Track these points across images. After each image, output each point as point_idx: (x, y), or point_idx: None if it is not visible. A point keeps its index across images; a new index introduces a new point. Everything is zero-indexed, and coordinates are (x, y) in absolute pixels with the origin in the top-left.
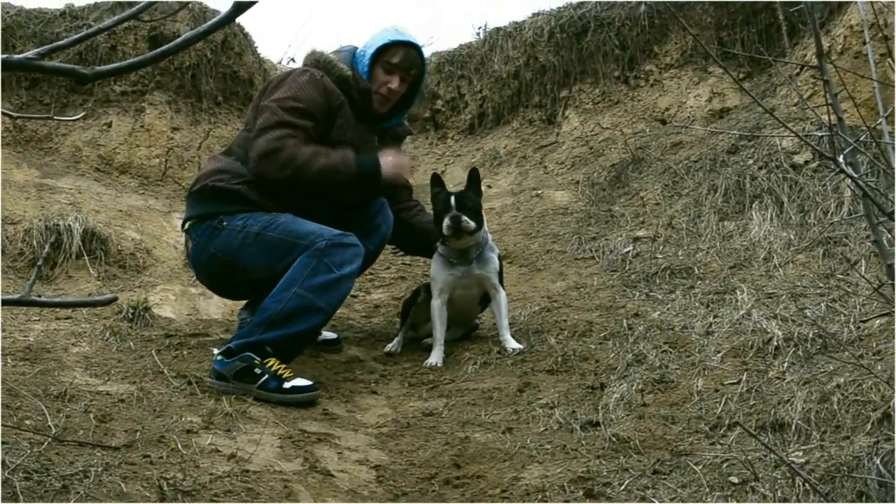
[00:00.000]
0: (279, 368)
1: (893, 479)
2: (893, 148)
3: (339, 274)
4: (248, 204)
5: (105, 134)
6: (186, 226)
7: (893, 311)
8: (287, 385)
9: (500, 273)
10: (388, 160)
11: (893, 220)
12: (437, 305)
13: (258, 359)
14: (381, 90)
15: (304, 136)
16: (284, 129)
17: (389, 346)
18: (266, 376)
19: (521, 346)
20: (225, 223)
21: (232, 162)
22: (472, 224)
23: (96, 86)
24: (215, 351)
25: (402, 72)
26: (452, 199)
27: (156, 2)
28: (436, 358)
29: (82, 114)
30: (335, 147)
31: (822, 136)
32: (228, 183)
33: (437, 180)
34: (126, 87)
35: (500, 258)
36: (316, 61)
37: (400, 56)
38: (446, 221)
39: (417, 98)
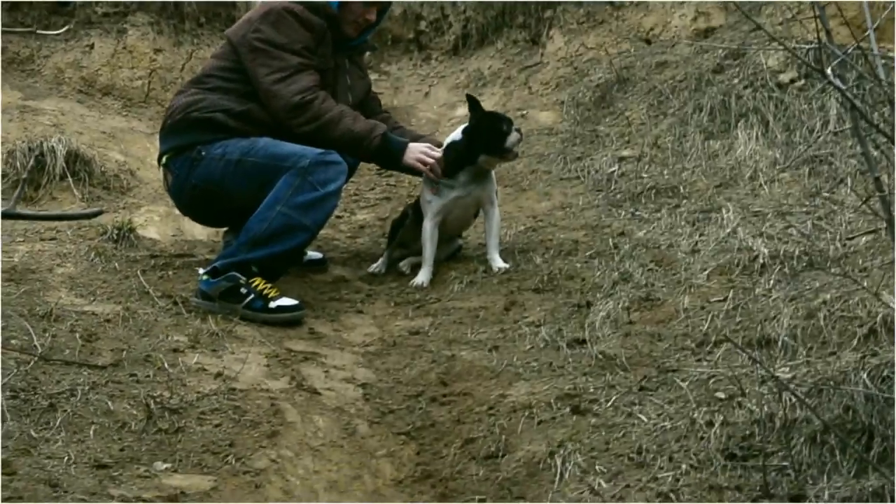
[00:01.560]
0: (265, 288)
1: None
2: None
3: (324, 192)
4: (226, 131)
5: (87, 56)
6: (164, 160)
7: (889, 224)
8: (273, 304)
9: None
10: (415, 147)
11: (882, 134)
12: (430, 227)
13: (243, 278)
14: (359, 20)
15: (314, 73)
16: (305, 77)
17: (374, 267)
18: (251, 296)
19: (507, 266)
20: (203, 153)
21: (203, 92)
22: (518, 137)
23: (78, 7)
24: (200, 271)
25: (378, 3)
26: (505, 121)
27: None
28: (423, 277)
29: (65, 27)
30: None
31: (809, 51)
32: (203, 112)
33: (475, 103)
34: (108, 8)
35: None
36: None
37: None
38: (514, 137)
39: (384, 17)
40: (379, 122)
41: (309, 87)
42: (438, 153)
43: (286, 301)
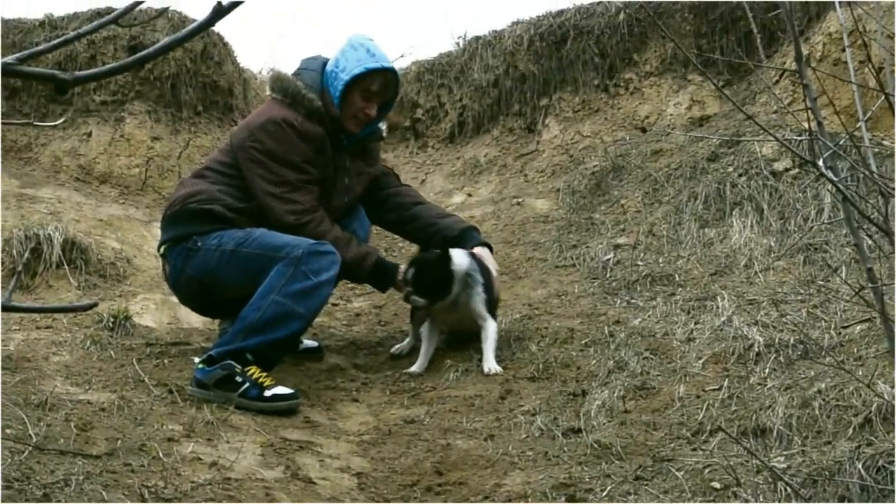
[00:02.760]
0: (260, 376)
1: (882, 483)
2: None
3: (317, 280)
4: (222, 222)
5: (85, 143)
6: (162, 249)
7: (882, 315)
8: (268, 393)
9: (490, 300)
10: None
11: (874, 225)
12: (428, 328)
13: (239, 367)
14: (359, 115)
15: (312, 188)
16: (301, 196)
17: (397, 348)
18: (247, 384)
19: (499, 369)
20: (199, 243)
21: (204, 184)
22: (422, 301)
23: (76, 95)
24: (196, 360)
25: (378, 97)
26: (411, 273)
27: (134, 6)
28: (415, 367)
29: (63, 119)
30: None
31: (801, 141)
32: (201, 204)
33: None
34: (106, 96)
35: (489, 285)
36: (284, 90)
37: (378, 84)
38: (403, 295)
39: (388, 110)
40: (371, 250)
41: (304, 208)
42: None
43: (282, 390)
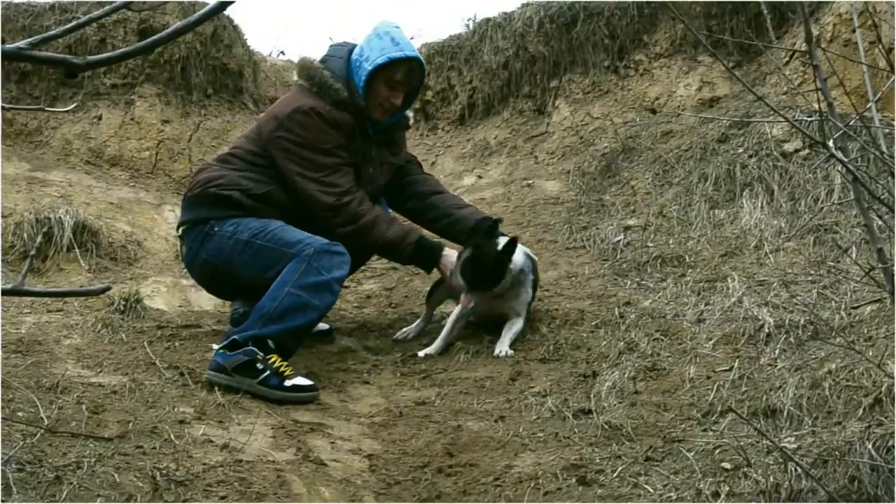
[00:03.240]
0: (281, 365)
1: (892, 463)
2: (892, 134)
3: (329, 277)
4: (240, 209)
5: (95, 127)
6: (180, 230)
7: (892, 295)
8: (288, 383)
9: (532, 298)
10: (449, 257)
11: (883, 205)
12: (456, 313)
13: (261, 354)
14: (384, 104)
15: (347, 170)
16: (340, 178)
17: (402, 333)
18: (268, 372)
19: (510, 352)
20: (216, 228)
21: (226, 170)
22: (464, 287)
23: (86, 79)
24: (215, 346)
25: (403, 86)
26: (467, 266)
27: None
28: (431, 348)
29: (74, 104)
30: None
31: (811, 122)
32: (220, 189)
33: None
34: (116, 79)
35: (536, 284)
36: (310, 78)
37: (402, 72)
38: (462, 295)
39: (414, 99)
40: (414, 228)
41: (344, 189)
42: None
43: (302, 381)
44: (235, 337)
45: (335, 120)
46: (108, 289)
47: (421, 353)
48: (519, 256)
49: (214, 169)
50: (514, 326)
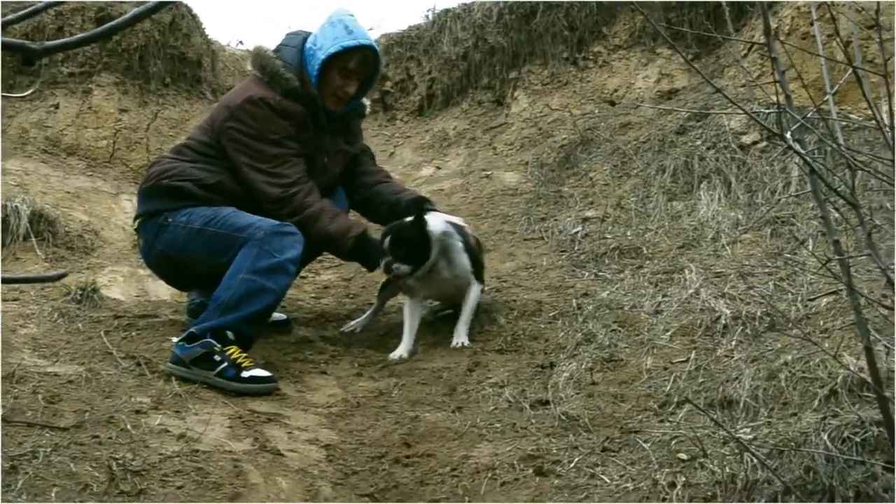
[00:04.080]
0: (239, 357)
1: (846, 454)
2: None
3: (282, 258)
4: (193, 199)
5: (52, 115)
6: (136, 224)
7: (848, 286)
8: (245, 374)
9: (478, 263)
10: None
11: (840, 197)
12: (409, 305)
13: (218, 346)
14: (338, 93)
15: (297, 161)
16: (288, 169)
17: (349, 326)
18: (225, 364)
19: (467, 343)
20: (170, 219)
21: (178, 161)
22: (406, 268)
23: (43, 67)
24: (174, 338)
25: (358, 75)
26: (387, 241)
27: None
28: (401, 350)
29: (32, 90)
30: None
31: (769, 114)
32: (172, 180)
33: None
34: (73, 68)
35: (474, 248)
36: (262, 68)
37: (356, 60)
38: (383, 266)
39: (371, 86)
40: (357, 223)
41: (292, 180)
42: None
43: (259, 372)
44: (193, 329)
45: (285, 110)
46: (64, 275)
47: (394, 356)
48: (437, 223)
49: (167, 161)
50: (469, 298)
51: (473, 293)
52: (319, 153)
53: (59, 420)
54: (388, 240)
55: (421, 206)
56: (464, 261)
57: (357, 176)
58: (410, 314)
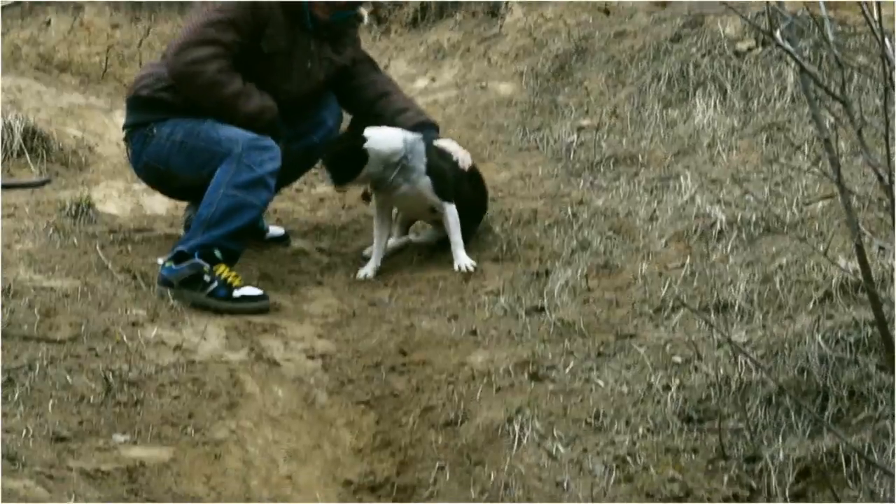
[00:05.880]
0: (229, 276)
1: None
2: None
3: (261, 171)
4: (175, 111)
5: (44, 32)
6: (125, 133)
7: (839, 184)
8: (237, 293)
9: (443, 182)
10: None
11: (831, 96)
12: (377, 220)
13: (207, 266)
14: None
15: (224, 52)
16: (204, 49)
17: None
18: (215, 284)
19: (473, 263)
20: (155, 131)
21: (157, 67)
22: (331, 181)
23: None
24: (160, 260)
25: None
26: (323, 156)
27: None
28: (367, 269)
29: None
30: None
31: (763, 18)
32: (153, 91)
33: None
34: None
35: (441, 168)
36: None
37: None
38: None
39: None
40: (269, 105)
41: (198, 58)
42: None
43: (250, 291)
44: (181, 248)
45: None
46: (48, 181)
47: (360, 275)
48: (391, 141)
49: (149, 67)
50: (448, 221)
51: (449, 215)
52: (301, 56)
53: (56, 333)
54: (325, 158)
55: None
56: (425, 183)
57: (355, 90)
58: (378, 232)
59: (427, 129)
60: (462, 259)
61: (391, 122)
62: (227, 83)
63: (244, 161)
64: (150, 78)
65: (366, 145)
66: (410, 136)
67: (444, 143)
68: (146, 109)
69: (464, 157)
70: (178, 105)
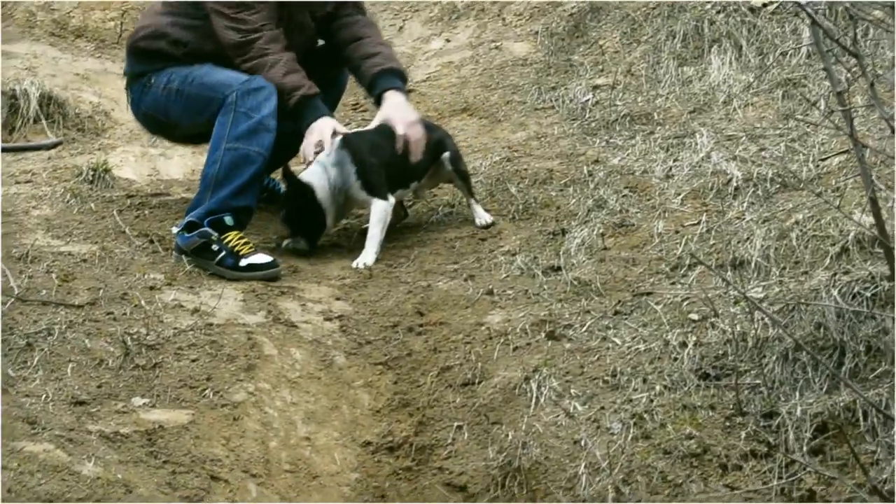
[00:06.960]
0: (237, 244)
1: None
2: None
3: (259, 117)
4: (172, 60)
5: None
6: (124, 82)
7: (851, 137)
8: (243, 262)
9: (373, 179)
10: (320, 127)
11: (844, 49)
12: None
13: (215, 234)
14: None
15: (261, 8)
16: (245, 16)
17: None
18: (223, 253)
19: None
20: (153, 80)
21: (155, 17)
22: (304, 243)
23: None
24: (174, 229)
25: None
26: (283, 214)
27: None
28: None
29: None
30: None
31: None
32: (148, 40)
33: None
34: None
35: (366, 161)
36: None
37: None
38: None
39: None
40: (311, 84)
41: (254, 27)
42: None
43: (259, 258)
44: (192, 218)
45: None
46: (60, 143)
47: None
48: (315, 178)
49: (147, 16)
50: (372, 220)
51: (373, 214)
52: (303, 27)
53: (74, 298)
54: (283, 213)
55: (372, 86)
56: (356, 188)
57: (333, 34)
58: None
59: (391, 76)
60: (367, 258)
61: (356, 68)
62: (270, 56)
63: (240, 109)
64: (148, 29)
65: (315, 194)
66: (330, 157)
67: (392, 113)
68: (144, 60)
69: (413, 133)
70: (176, 55)
